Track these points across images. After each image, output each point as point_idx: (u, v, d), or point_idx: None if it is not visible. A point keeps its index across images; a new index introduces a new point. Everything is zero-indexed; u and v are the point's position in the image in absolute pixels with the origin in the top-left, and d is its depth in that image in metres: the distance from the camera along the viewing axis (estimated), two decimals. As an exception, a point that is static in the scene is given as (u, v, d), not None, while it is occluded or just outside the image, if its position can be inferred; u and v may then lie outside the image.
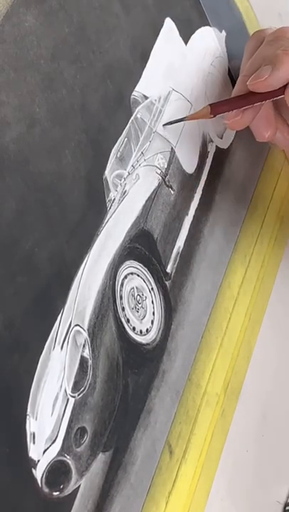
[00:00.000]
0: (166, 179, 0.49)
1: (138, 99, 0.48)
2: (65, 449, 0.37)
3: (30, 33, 0.40)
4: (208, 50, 0.56)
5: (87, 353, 0.40)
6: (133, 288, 0.45)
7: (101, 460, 0.40)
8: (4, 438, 0.34)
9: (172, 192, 0.50)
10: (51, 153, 0.40)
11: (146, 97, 0.49)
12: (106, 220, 0.43)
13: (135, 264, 0.45)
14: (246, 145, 0.59)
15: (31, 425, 0.36)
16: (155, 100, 0.50)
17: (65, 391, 0.38)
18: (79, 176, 0.42)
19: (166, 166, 0.49)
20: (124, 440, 0.42)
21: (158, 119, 0.49)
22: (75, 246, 0.40)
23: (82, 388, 0.39)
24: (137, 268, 0.45)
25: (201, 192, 0.53)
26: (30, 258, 0.37)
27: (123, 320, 0.43)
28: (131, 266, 0.45)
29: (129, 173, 0.46)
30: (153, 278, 0.46)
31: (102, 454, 0.40)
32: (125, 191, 0.45)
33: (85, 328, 0.40)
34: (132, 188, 0.46)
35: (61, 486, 0.37)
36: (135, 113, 0.47)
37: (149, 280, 0.46)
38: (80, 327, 0.40)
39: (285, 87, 0.48)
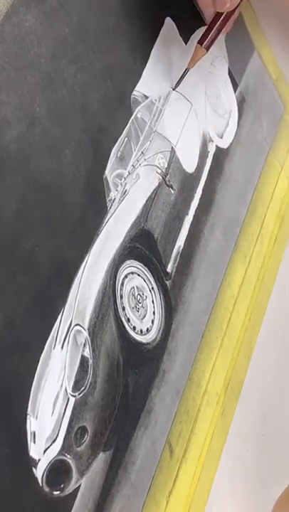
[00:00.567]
0: (166, 179, 0.49)
1: (138, 99, 0.48)
2: (65, 448, 0.37)
3: (31, 33, 0.40)
4: (208, 49, 0.56)
5: (87, 353, 0.40)
6: (133, 287, 0.45)
7: (101, 459, 0.40)
8: (5, 437, 0.34)
9: (172, 191, 0.50)
10: (51, 153, 0.40)
11: (146, 97, 0.49)
12: (106, 220, 0.43)
13: (135, 263, 0.45)
14: (246, 145, 0.59)
15: (32, 424, 0.36)
16: (155, 100, 0.50)
17: (66, 390, 0.38)
18: (79, 175, 0.42)
19: (166, 166, 0.49)
20: (124, 439, 0.42)
21: (158, 118, 0.50)
22: (76, 245, 0.40)
23: (83, 387, 0.39)
24: (138, 267, 0.45)
25: (201, 192, 0.53)
26: (31, 257, 0.37)
27: (123, 319, 0.43)
28: (131, 265, 0.45)
29: (129, 173, 0.46)
30: (153, 277, 0.46)
31: (103, 453, 0.40)
32: (125, 191, 0.45)
33: (86, 327, 0.40)
34: (132, 188, 0.46)
35: (62, 486, 0.37)
36: (135, 113, 0.47)
37: (149, 280, 0.46)
38: (81, 326, 0.40)
39: None
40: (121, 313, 0.43)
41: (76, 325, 0.40)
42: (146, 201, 0.47)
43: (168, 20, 0.52)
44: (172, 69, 0.52)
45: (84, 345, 0.40)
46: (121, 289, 0.43)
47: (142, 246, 0.46)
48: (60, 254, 0.39)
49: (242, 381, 0.53)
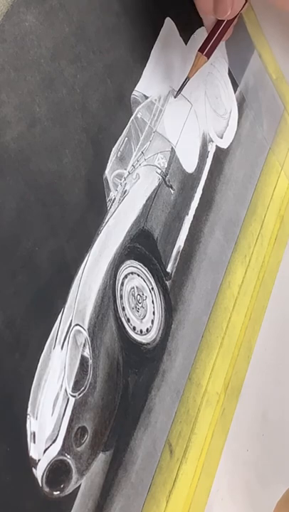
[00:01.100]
0: (166, 179, 0.49)
1: (138, 99, 0.48)
2: (65, 448, 0.37)
3: (31, 33, 0.40)
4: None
5: (87, 353, 0.40)
6: (133, 287, 0.45)
7: (101, 459, 0.40)
8: (5, 437, 0.34)
9: (172, 191, 0.50)
10: (52, 153, 0.40)
11: (146, 97, 0.49)
12: (106, 220, 0.43)
13: (135, 263, 0.45)
14: (246, 145, 0.59)
15: (32, 425, 0.36)
16: (155, 100, 0.50)
17: (66, 390, 0.38)
18: (79, 175, 0.42)
19: (166, 166, 0.49)
20: (124, 439, 0.42)
21: (158, 118, 0.50)
22: (76, 245, 0.40)
23: (83, 388, 0.39)
24: (138, 268, 0.45)
25: (201, 192, 0.53)
26: (31, 257, 0.37)
27: (123, 319, 0.43)
28: (131, 265, 0.45)
29: (129, 173, 0.46)
30: (153, 277, 0.46)
31: (103, 453, 0.40)
32: (125, 191, 0.45)
33: (86, 327, 0.40)
34: (132, 188, 0.46)
35: (62, 486, 0.37)
36: (135, 112, 0.47)
37: (149, 280, 0.46)
38: (81, 326, 0.40)
39: None
40: (121, 313, 0.43)
41: (76, 325, 0.40)
42: (146, 201, 0.47)
43: (168, 20, 0.52)
44: (172, 69, 0.52)
45: (84, 345, 0.40)
46: (121, 289, 0.43)
47: (142, 246, 0.46)
48: (60, 254, 0.39)
49: (242, 381, 0.53)
